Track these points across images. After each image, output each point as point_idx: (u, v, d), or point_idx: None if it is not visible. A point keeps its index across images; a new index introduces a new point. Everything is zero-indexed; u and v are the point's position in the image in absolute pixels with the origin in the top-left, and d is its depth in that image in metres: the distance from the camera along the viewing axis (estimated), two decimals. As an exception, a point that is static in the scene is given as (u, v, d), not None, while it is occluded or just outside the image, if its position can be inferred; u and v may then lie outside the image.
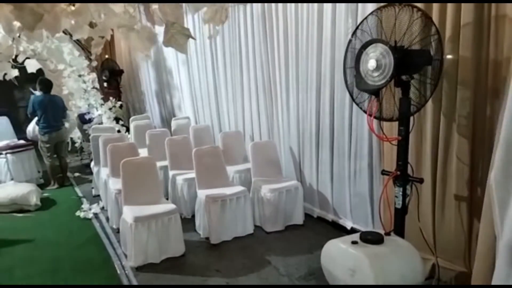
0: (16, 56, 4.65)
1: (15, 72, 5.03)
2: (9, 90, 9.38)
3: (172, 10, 2.14)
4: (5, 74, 4.23)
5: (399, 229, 2.63)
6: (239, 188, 3.89)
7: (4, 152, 5.74)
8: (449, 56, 2.55)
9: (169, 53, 7.13)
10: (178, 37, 2.17)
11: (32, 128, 6.05)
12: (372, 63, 2.40)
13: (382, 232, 2.58)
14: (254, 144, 4.36)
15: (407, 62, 2.35)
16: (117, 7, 2.37)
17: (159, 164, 4.26)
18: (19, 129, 7.18)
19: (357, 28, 2.65)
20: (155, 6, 2.38)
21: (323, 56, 3.70)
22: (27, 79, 6.88)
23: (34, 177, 5.99)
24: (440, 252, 2.83)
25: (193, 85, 6.53)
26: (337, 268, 2.57)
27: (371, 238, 2.47)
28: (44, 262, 3.49)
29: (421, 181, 2.59)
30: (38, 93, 5.76)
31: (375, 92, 2.48)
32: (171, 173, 4.57)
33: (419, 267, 2.45)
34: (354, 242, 2.48)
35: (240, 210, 3.78)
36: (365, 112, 2.70)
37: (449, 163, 2.69)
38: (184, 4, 2.35)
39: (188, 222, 4.10)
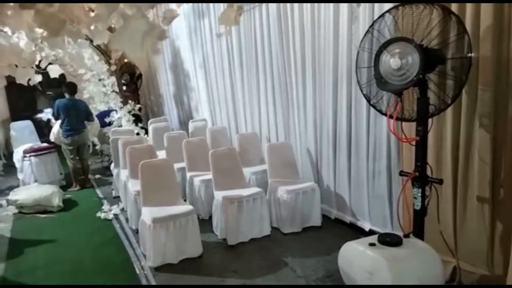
0: (39, 61, 4.80)
1: (39, 78, 5.19)
2: (33, 95, 9.70)
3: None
4: (29, 79, 4.37)
5: (418, 231, 2.58)
6: (256, 190, 3.90)
7: (28, 155, 5.92)
8: (469, 55, 2.50)
9: (186, 55, 7.22)
10: (145, 38, 2.15)
11: (57, 130, 6.22)
12: (396, 62, 2.36)
13: (401, 234, 2.54)
14: (271, 146, 4.36)
15: (431, 61, 2.31)
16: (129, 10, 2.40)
17: (176, 165, 4.31)
18: (42, 132, 7.39)
19: (370, 26, 2.62)
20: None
21: (340, 55, 3.67)
22: (50, 84, 7.09)
23: (57, 179, 6.15)
24: (461, 255, 2.76)
25: (210, 87, 6.59)
26: (355, 270, 2.54)
27: (389, 240, 2.43)
28: (66, 262, 3.58)
29: (440, 182, 2.54)
30: (67, 95, 5.91)
31: (399, 92, 2.44)
32: (188, 174, 4.62)
33: (439, 270, 2.40)
34: (371, 244, 2.44)
35: (256, 211, 3.78)
36: (381, 113, 2.67)
37: (470, 164, 2.63)
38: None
39: (206, 223, 4.13)
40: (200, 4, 6.08)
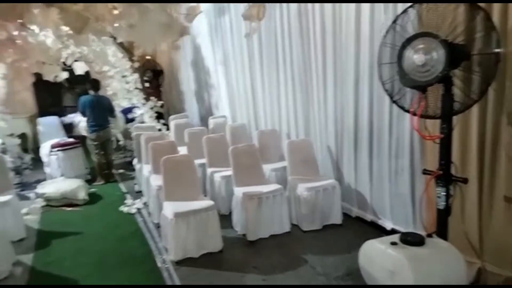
0: (65, 59, 4.95)
1: (65, 74, 5.35)
2: (59, 91, 9.98)
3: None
4: (56, 76, 4.50)
5: (441, 231, 2.53)
6: (275, 186, 3.91)
7: (55, 150, 6.11)
8: (497, 51, 2.42)
9: (207, 53, 7.28)
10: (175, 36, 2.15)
11: (84, 126, 6.36)
12: (420, 58, 2.31)
13: (423, 233, 2.50)
14: (290, 142, 4.35)
15: (456, 57, 2.25)
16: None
17: (197, 161, 4.36)
18: (68, 128, 7.61)
19: (393, 22, 2.57)
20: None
21: (362, 52, 3.62)
22: (75, 80, 7.29)
23: (82, 173, 6.32)
24: (486, 256, 2.69)
25: (230, 84, 6.62)
26: (376, 269, 2.52)
27: (411, 240, 2.39)
28: (91, 253, 3.69)
29: (465, 181, 2.48)
30: (92, 92, 6.06)
31: (423, 89, 2.39)
32: (209, 170, 4.67)
33: (462, 271, 2.35)
34: (393, 243, 2.41)
35: (276, 208, 3.79)
36: (404, 110, 2.62)
37: (497, 163, 2.55)
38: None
39: (226, 219, 4.17)
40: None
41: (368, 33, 3.48)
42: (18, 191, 5.35)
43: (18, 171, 5.92)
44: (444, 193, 2.50)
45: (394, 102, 2.68)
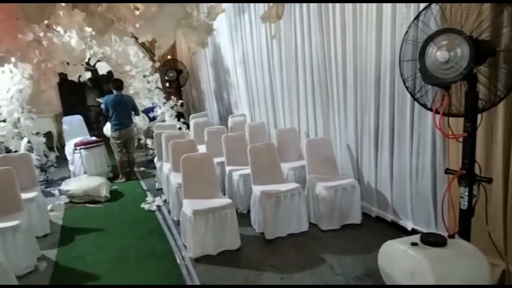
0: (89, 59, 5.06)
1: (88, 74, 5.49)
2: (82, 91, 10.24)
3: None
4: (80, 76, 4.62)
5: (464, 232, 2.46)
6: (294, 185, 3.89)
7: (78, 148, 6.27)
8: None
9: (227, 52, 7.31)
10: (201, 34, 2.15)
11: (107, 128, 6.49)
12: (444, 55, 2.25)
13: (445, 234, 2.44)
14: (309, 141, 4.33)
15: (481, 53, 2.19)
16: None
17: (216, 160, 4.39)
18: (91, 126, 7.78)
19: (416, 18, 2.52)
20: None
21: (383, 49, 3.56)
22: (98, 80, 7.45)
23: (105, 171, 6.47)
24: (511, 258, 2.61)
25: (249, 83, 6.64)
26: (396, 270, 2.47)
27: (433, 240, 2.34)
28: (112, 250, 3.77)
29: (489, 181, 2.40)
30: (114, 91, 6.19)
31: (446, 86, 2.33)
32: (227, 168, 4.69)
33: (485, 273, 2.28)
34: (414, 244, 2.36)
35: (294, 206, 3.78)
36: (426, 108, 2.56)
37: (523, 162, 2.47)
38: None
39: (244, 217, 4.18)
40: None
41: (390, 30, 3.42)
42: (43, 188, 5.52)
43: (43, 168, 6.10)
44: (467, 193, 2.43)
45: (416, 100, 2.63)
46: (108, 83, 6.45)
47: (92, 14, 2.47)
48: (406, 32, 2.60)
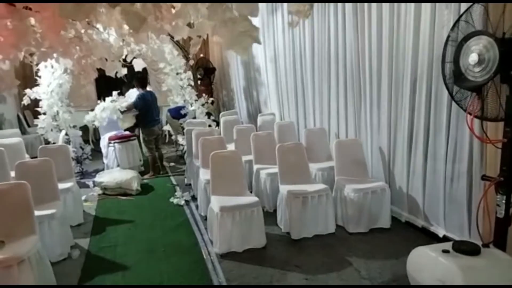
0: (126, 56, 5.21)
1: (125, 71, 5.65)
2: (120, 87, 10.56)
3: (247, 5, 2.08)
4: (117, 72, 4.76)
5: (499, 241, 2.37)
6: (321, 186, 3.86)
7: (112, 142, 6.48)
8: None
9: (258, 50, 7.33)
10: (243, 39, 2.11)
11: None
12: (473, 57, 2.19)
13: (479, 243, 2.35)
14: (339, 142, 4.27)
15: None
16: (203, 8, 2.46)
17: (244, 158, 4.42)
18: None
19: (458, 19, 2.43)
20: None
21: (420, 50, 3.46)
22: (132, 76, 7.62)
23: (137, 165, 6.63)
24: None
25: (280, 81, 6.62)
26: (425, 277, 2.41)
27: (465, 248, 2.26)
28: (141, 241, 3.87)
29: (529, 189, 2.30)
30: (140, 90, 6.32)
31: (477, 89, 2.26)
32: (255, 167, 4.71)
33: (522, 286, 2.18)
34: (445, 251, 2.30)
35: (321, 208, 3.74)
36: (465, 110, 2.47)
37: None
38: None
39: (270, 216, 4.19)
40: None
41: (428, 30, 3.32)
42: (78, 179, 5.73)
43: (79, 160, 6.34)
44: (505, 201, 2.33)
45: (456, 102, 2.54)
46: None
47: (127, 12, 2.54)
48: (449, 32, 2.52)
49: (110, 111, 5.98)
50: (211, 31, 2.35)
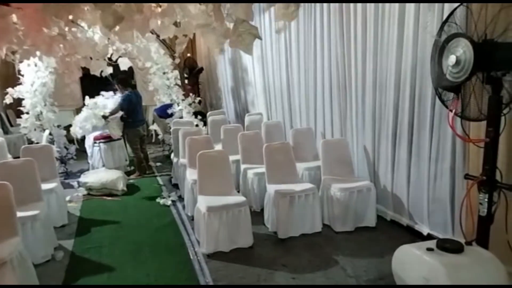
0: (111, 54, 5.14)
1: (110, 70, 5.57)
2: (104, 86, 10.41)
3: (243, 8, 2.17)
4: (102, 71, 4.70)
5: (482, 239, 2.41)
6: (308, 185, 3.88)
7: (98, 142, 6.39)
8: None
9: (245, 50, 7.31)
10: (245, 36, 2.20)
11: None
12: (452, 59, 2.25)
13: (462, 241, 2.39)
14: (325, 142, 4.30)
15: (496, 57, 2.14)
16: (193, 8, 2.49)
17: (232, 157, 4.41)
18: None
19: (445, 21, 2.47)
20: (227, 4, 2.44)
21: (404, 51, 3.51)
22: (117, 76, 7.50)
23: (122, 165, 6.56)
24: (532, 269, 2.53)
25: (267, 81, 6.63)
26: (410, 275, 2.44)
27: (449, 246, 2.30)
28: (127, 242, 3.83)
29: (510, 188, 2.34)
30: (126, 91, 6.21)
31: (455, 89, 2.31)
32: (242, 167, 4.71)
33: (503, 281, 2.22)
34: (429, 249, 2.33)
35: (308, 207, 3.76)
36: (451, 111, 2.52)
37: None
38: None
39: (257, 215, 4.19)
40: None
41: (412, 31, 3.36)
42: (62, 180, 5.64)
43: (63, 160, 6.23)
44: (487, 200, 2.38)
45: (443, 103, 2.58)
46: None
47: (103, 9, 2.51)
48: (437, 34, 2.57)
49: (95, 120, 5.89)
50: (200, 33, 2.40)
